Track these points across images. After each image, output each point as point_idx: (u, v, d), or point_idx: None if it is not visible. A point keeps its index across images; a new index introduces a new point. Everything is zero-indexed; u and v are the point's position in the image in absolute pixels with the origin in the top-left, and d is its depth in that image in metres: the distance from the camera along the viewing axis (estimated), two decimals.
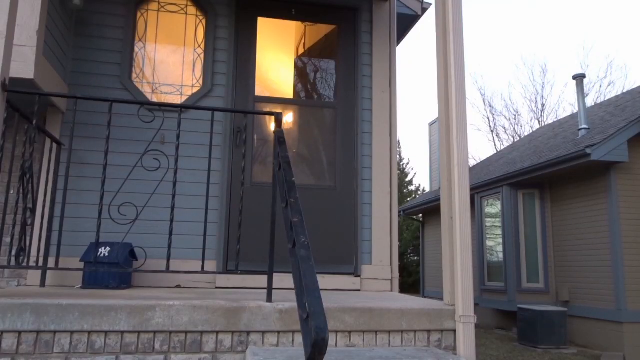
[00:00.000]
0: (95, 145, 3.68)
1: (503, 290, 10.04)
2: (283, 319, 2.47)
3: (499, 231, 10.55)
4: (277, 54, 4.70)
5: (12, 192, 3.39)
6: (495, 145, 27.73)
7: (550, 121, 21.80)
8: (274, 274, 2.71)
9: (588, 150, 8.13)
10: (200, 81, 4.09)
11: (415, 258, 20.12)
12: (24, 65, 3.07)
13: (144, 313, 2.34)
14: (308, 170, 4.20)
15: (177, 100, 4.03)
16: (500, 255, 10.38)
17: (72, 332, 2.29)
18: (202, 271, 2.81)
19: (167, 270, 2.73)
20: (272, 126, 4.14)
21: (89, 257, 3.22)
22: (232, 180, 3.95)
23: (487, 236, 11.10)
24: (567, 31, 42.63)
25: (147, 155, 2.93)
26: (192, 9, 4.19)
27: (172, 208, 2.75)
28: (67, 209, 3.12)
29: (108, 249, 3.28)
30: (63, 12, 3.71)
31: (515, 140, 23.88)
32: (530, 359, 7.31)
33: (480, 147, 43.39)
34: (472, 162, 23.34)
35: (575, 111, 13.92)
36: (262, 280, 3.54)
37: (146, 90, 4.00)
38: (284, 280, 3.44)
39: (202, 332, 2.40)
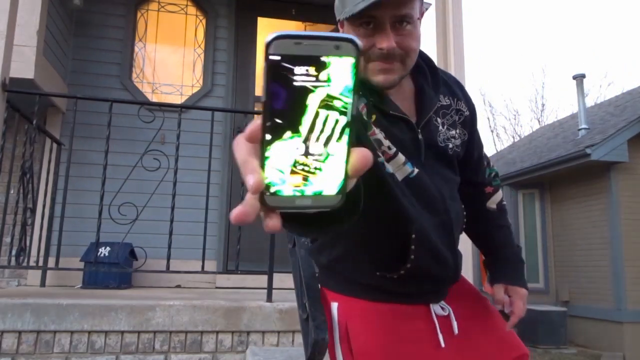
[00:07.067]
0: (95, 145, 3.67)
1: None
2: (283, 319, 2.47)
3: None
4: None
5: (12, 192, 3.39)
6: (495, 145, 27.71)
7: (550, 121, 21.78)
8: (274, 274, 2.71)
9: (588, 150, 8.12)
10: (200, 81, 4.09)
11: None
12: (24, 65, 3.07)
13: (144, 313, 2.34)
14: None
15: (177, 100, 4.03)
16: None
17: (72, 332, 2.29)
18: (202, 271, 2.82)
19: (167, 270, 2.74)
20: None
21: (89, 257, 3.22)
22: (232, 180, 3.96)
23: None
24: (568, 31, 42.67)
25: (147, 155, 2.93)
26: (192, 9, 4.19)
27: (172, 208, 2.76)
28: (67, 209, 3.11)
29: (108, 249, 3.28)
30: (63, 12, 3.71)
31: (515, 140, 23.86)
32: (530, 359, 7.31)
33: None
34: None
35: (575, 111, 13.91)
36: (262, 280, 3.54)
37: (146, 90, 4.01)
38: (284, 281, 3.43)
39: (202, 332, 2.40)
